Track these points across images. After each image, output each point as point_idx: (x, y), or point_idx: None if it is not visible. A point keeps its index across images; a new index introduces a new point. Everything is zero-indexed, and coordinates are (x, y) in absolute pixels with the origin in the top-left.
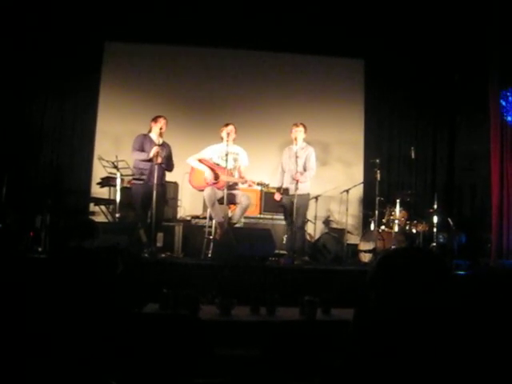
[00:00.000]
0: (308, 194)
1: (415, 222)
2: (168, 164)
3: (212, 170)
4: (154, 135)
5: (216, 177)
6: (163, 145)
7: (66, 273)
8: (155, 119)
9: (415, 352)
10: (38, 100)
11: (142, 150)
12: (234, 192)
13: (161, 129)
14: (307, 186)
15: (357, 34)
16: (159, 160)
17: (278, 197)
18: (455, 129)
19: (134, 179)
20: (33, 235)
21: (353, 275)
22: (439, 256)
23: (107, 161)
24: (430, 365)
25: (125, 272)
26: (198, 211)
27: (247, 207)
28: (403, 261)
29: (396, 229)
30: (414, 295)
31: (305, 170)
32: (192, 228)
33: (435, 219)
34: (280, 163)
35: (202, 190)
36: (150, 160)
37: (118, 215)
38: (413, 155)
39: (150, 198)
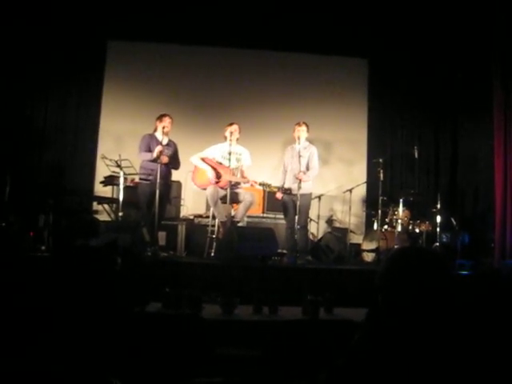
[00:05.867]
0: (310, 194)
1: (418, 221)
2: (174, 163)
3: (214, 169)
4: (159, 134)
5: (218, 176)
6: (168, 144)
7: (74, 271)
8: (160, 118)
9: (424, 353)
10: (40, 99)
11: (148, 150)
12: (237, 191)
13: (163, 127)
14: (309, 186)
15: (360, 34)
16: (164, 159)
17: (279, 195)
18: (458, 128)
19: (140, 179)
20: (33, 235)
21: (356, 275)
22: (443, 256)
23: (110, 160)
24: (437, 365)
25: (124, 268)
26: (201, 210)
27: (251, 204)
28: (414, 261)
29: (399, 228)
30: (423, 295)
31: (307, 169)
32: (195, 227)
33: (438, 219)
34: (282, 162)
35: (205, 189)
36: (155, 160)
37: (120, 214)
38: (416, 154)
39: (155, 198)
